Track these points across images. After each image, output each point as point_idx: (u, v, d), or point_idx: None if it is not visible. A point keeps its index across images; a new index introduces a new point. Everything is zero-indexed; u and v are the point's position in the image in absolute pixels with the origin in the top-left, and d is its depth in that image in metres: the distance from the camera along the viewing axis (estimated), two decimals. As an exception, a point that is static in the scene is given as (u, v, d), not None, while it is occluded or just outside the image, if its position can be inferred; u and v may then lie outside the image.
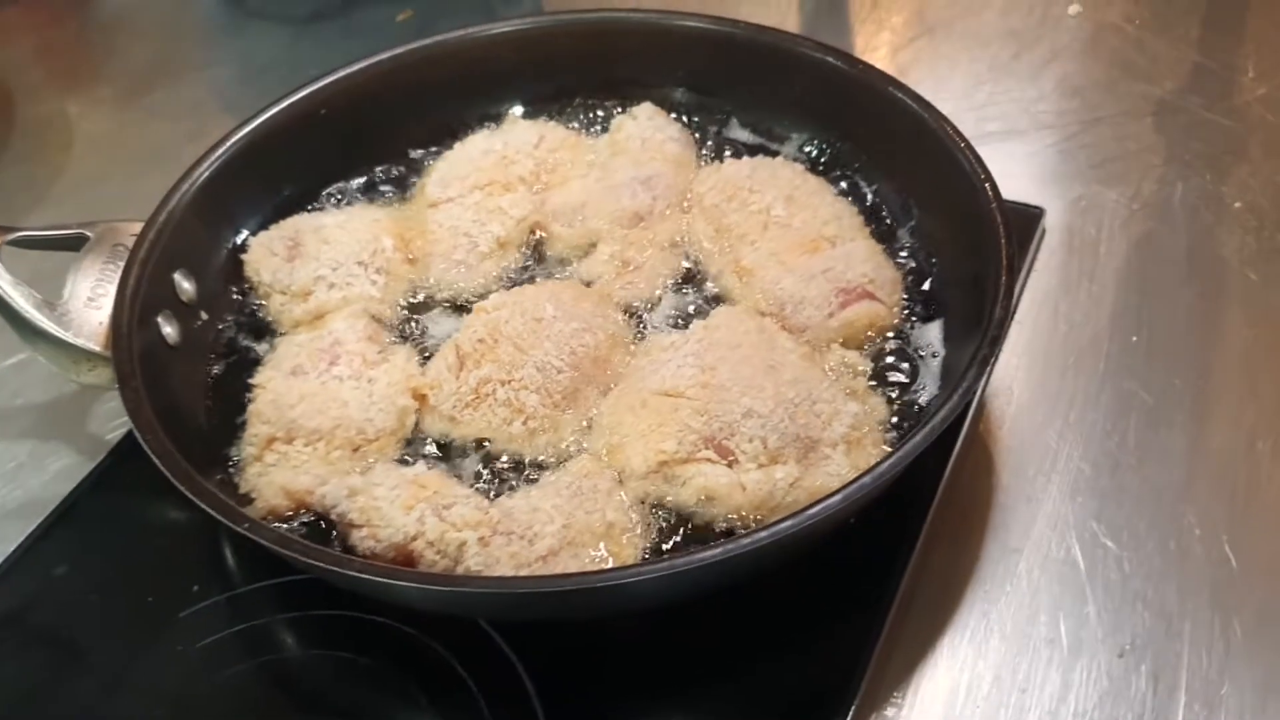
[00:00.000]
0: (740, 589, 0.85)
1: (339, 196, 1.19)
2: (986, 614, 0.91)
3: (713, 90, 1.23)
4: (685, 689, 0.88)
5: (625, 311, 1.06)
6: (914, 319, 1.02)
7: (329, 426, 0.95)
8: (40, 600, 0.97)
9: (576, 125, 1.24)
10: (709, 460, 0.89)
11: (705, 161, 1.19)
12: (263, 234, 1.11)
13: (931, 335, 1.01)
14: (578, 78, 1.25)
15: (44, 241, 1.06)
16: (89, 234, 1.05)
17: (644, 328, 1.05)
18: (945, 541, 0.95)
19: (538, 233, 1.14)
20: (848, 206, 1.10)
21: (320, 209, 1.17)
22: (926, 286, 1.04)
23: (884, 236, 1.09)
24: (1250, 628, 0.88)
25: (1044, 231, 1.19)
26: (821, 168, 1.16)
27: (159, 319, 1.00)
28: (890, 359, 1.00)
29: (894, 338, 1.01)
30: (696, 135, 1.22)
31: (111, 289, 0.99)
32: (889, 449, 0.92)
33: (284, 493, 0.92)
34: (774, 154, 1.18)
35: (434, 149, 1.22)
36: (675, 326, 1.04)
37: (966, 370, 0.85)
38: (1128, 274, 1.16)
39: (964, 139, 1.02)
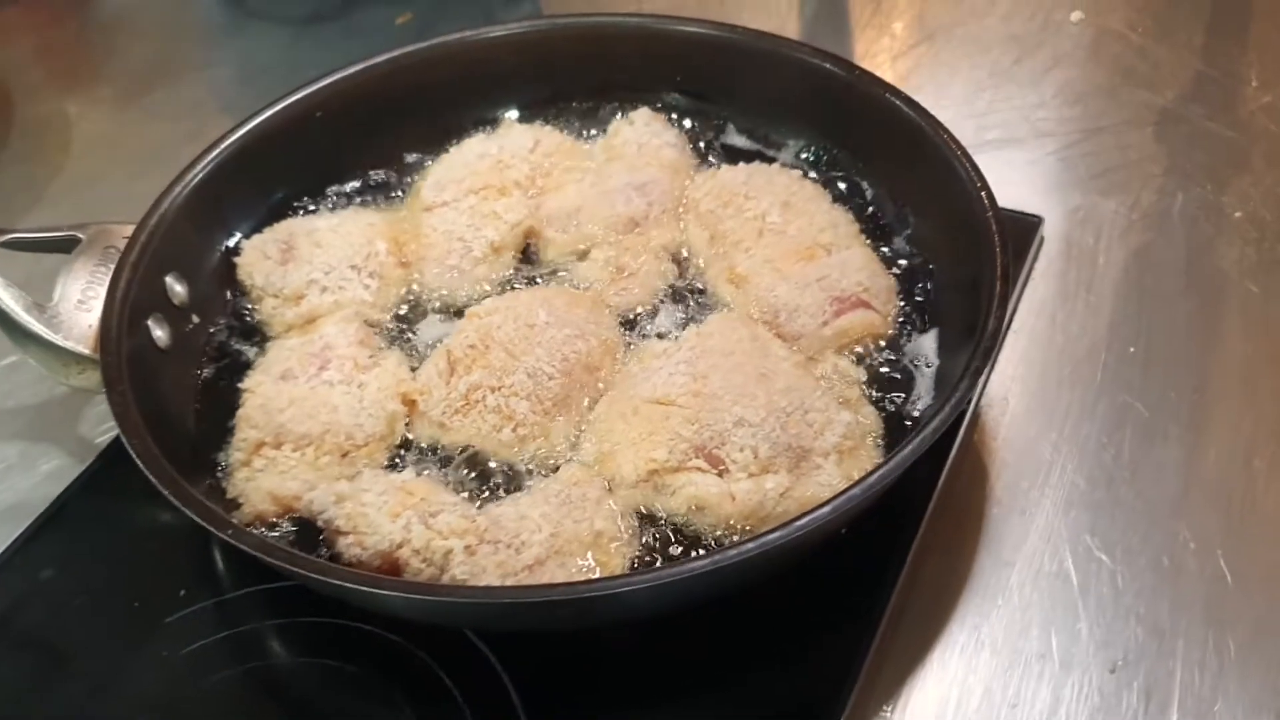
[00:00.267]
0: (730, 599, 0.84)
1: (333, 199, 1.19)
2: (978, 627, 0.90)
3: (710, 96, 1.22)
4: (673, 700, 0.87)
5: (618, 318, 1.05)
6: (909, 328, 1.02)
7: (318, 431, 0.94)
8: (28, 603, 0.97)
9: (572, 130, 1.24)
10: (699, 469, 0.89)
11: (702, 167, 1.18)
12: (257, 237, 1.11)
13: (926, 344, 1.00)
14: (575, 81, 1.24)
15: (36, 243, 1.05)
16: (81, 236, 1.04)
17: (637, 334, 1.04)
18: (937, 553, 0.94)
19: (532, 238, 1.14)
20: (844, 214, 1.10)
21: (314, 212, 1.17)
22: (922, 295, 1.04)
23: (880, 244, 1.08)
24: (1244, 644, 0.87)
25: (1042, 240, 1.18)
26: (818, 175, 1.15)
27: (149, 322, 1.00)
28: (884, 368, 0.99)
29: (888, 347, 1.00)
30: (693, 141, 1.21)
31: (102, 291, 0.99)
32: (881, 459, 0.91)
33: (271, 498, 0.91)
34: (771, 160, 1.17)
35: (429, 152, 1.21)
36: (668, 333, 1.04)
37: (959, 381, 0.84)
38: (1126, 284, 1.15)
39: (960, 146, 1.01)
